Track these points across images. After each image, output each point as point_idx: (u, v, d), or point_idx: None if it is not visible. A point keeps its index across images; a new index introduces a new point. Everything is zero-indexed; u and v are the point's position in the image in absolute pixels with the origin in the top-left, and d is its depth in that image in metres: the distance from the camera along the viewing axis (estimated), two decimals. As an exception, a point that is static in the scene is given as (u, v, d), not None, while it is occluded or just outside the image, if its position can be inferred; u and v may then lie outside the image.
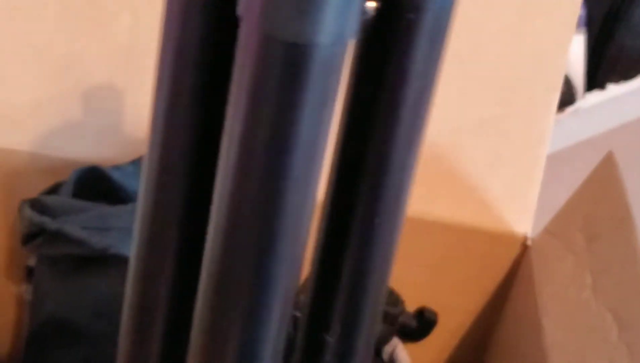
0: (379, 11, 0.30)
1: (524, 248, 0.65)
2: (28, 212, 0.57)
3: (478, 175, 0.65)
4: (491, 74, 0.64)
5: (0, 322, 0.69)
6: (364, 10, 0.29)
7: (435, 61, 0.32)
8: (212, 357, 0.31)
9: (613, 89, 0.82)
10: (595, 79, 0.97)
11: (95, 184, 0.60)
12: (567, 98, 0.88)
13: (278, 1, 0.25)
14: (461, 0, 0.63)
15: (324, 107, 0.27)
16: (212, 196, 0.30)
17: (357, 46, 0.33)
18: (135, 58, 0.64)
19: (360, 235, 0.34)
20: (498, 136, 0.65)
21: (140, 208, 0.32)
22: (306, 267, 0.68)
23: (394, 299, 0.67)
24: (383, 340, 0.65)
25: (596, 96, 0.82)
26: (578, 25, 0.85)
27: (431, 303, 0.68)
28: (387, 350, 0.67)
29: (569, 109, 0.81)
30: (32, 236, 0.57)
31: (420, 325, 0.66)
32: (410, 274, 0.67)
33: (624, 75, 0.92)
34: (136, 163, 0.63)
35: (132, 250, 0.33)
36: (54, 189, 0.61)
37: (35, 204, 0.58)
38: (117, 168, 0.62)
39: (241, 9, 0.26)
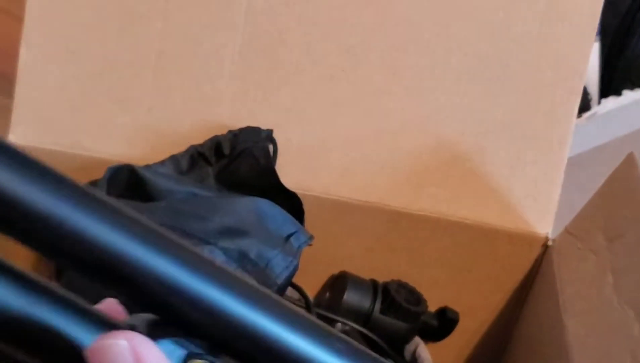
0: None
1: (545, 248, 0.67)
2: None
3: (501, 176, 0.66)
4: (514, 77, 0.66)
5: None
6: None
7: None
8: None
9: (629, 95, 0.84)
10: (609, 86, 0.99)
11: (128, 182, 0.61)
12: (582, 105, 0.89)
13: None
14: (485, 6, 0.65)
15: None
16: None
17: None
18: (166, 61, 0.66)
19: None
20: (521, 138, 0.66)
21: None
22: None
23: (416, 298, 0.68)
24: (405, 339, 0.67)
25: (612, 102, 0.83)
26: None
27: (453, 302, 0.70)
28: (409, 348, 0.68)
29: (585, 115, 0.83)
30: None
31: (441, 325, 0.67)
32: (432, 274, 0.68)
33: (638, 83, 0.93)
34: (166, 163, 0.65)
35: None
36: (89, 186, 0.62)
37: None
38: (148, 167, 0.63)
39: None
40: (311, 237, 0.58)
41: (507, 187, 0.66)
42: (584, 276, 0.60)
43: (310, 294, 0.70)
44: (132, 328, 0.27)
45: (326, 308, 0.66)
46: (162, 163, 0.64)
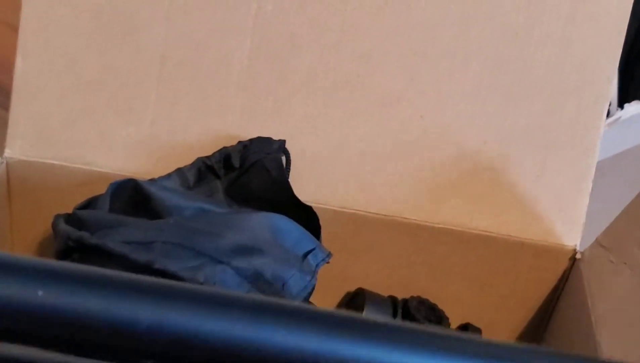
0: None
1: (573, 261, 0.63)
2: (64, 227, 0.55)
3: (525, 186, 0.63)
4: (539, 82, 0.62)
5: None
6: None
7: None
8: None
9: (651, 101, 0.81)
10: (627, 92, 0.96)
11: (132, 197, 0.58)
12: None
13: None
14: (506, 7, 0.62)
15: None
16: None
17: None
18: (170, 69, 0.63)
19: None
20: (546, 145, 0.63)
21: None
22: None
23: (438, 315, 0.65)
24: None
25: (635, 106, 0.80)
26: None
27: (476, 318, 0.66)
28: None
29: (608, 121, 0.80)
30: (67, 252, 0.55)
31: (464, 342, 0.64)
32: (455, 289, 0.65)
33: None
34: (172, 176, 0.61)
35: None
36: (89, 204, 0.59)
37: (71, 219, 0.57)
38: (152, 181, 0.60)
39: None
40: (329, 254, 0.55)
41: (532, 197, 0.63)
42: (618, 291, 0.57)
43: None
44: None
45: (343, 327, 0.63)
46: (168, 176, 0.61)
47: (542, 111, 0.63)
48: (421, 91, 0.63)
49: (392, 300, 0.65)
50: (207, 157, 0.62)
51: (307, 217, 0.58)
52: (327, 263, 0.55)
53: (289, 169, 0.62)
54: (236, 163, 0.61)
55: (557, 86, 0.63)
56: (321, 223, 0.60)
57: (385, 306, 0.64)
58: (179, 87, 0.63)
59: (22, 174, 0.64)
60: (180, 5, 0.62)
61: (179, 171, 0.61)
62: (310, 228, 0.57)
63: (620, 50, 0.62)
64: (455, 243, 0.63)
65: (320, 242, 0.57)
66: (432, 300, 0.65)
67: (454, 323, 0.66)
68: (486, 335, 0.63)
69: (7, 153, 0.63)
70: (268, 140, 0.61)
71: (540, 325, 0.67)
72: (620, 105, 0.87)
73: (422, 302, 0.65)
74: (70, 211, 0.58)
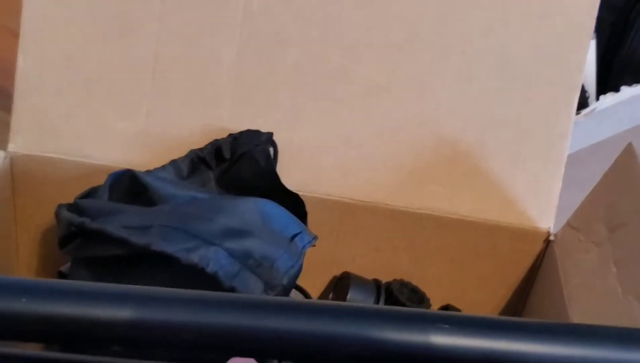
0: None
1: (547, 243, 0.67)
2: (66, 214, 0.58)
3: (501, 172, 0.66)
4: (513, 73, 0.66)
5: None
6: None
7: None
8: None
9: (627, 91, 0.84)
10: (606, 83, 0.99)
11: (130, 187, 0.61)
12: (580, 101, 0.89)
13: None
14: (485, 4, 0.65)
15: None
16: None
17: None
18: (164, 65, 0.66)
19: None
20: (521, 133, 0.66)
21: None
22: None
23: (419, 297, 0.68)
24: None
25: (610, 98, 0.83)
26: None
27: (457, 299, 0.70)
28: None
29: (584, 112, 0.83)
30: (69, 238, 0.58)
31: (446, 322, 0.67)
32: (435, 271, 0.68)
33: (635, 79, 0.93)
34: (166, 168, 0.64)
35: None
36: (89, 194, 0.62)
37: (73, 208, 0.60)
38: (149, 172, 0.63)
39: None
40: (315, 237, 0.58)
41: (508, 183, 0.66)
42: (587, 268, 0.60)
43: (314, 295, 0.70)
44: None
45: (330, 308, 0.66)
46: (163, 168, 0.64)
47: (517, 101, 0.66)
48: (402, 82, 0.66)
49: (376, 282, 0.68)
50: (200, 149, 0.65)
51: (294, 204, 0.62)
52: (313, 246, 0.59)
53: (277, 159, 0.65)
54: (227, 154, 0.64)
55: (531, 76, 0.66)
56: (308, 209, 0.63)
57: (369, 289, 0.68)
58: (172, 82, 0.66)
59: (25, 167, 0.67)
60: (172, 3, 0.65)
61: (173, 162, 0.65)
62: (297, 214, 0.60)
63: (589, 41, 0.66)
64: (435, 227, 0.67)
65: (307, 227, 0.61)
66: (415, 282, 0.69)
67: (436, 303, 0.69)
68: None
69: (11, 147, 0.66)
70: (256, 132, 0.65)
71: (518, 303, 0.70)
72: (599, 97, 0.91)
73: (405, 285, 0.69)
74: (71, 201, 0.61)
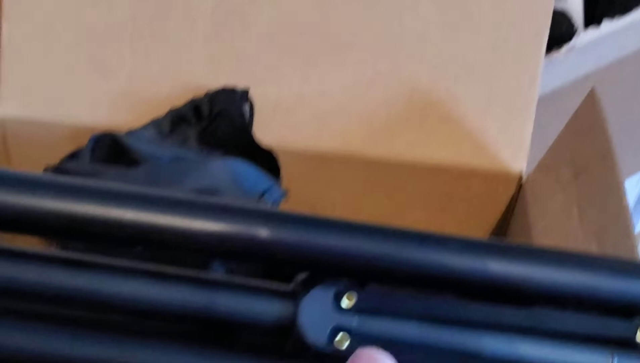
0: None
1: (520, 185, 0.68)
2: (51, 178, 0.61)
3: (473, 119, 0.68)
4: (483, 20, 0.67)
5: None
6: None
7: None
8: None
9: (607, 26, 0.84)
10: (593, 16, 0.99)
11: (111, 149, 0.64)
12: (569, 36, 0.90)
13: None
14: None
15: None
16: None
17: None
18: (141, 27, 0.68)
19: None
20: (491, 79, 0.68)
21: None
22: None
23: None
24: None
25: (591, 33, 0.84)
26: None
27: (436, 242, 0.72)
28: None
29: (565, 47, 0.84)
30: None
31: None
32: (413, 217, 0.71)
33: (622, 9, 0.93)
34: (148, 127, 0.67)
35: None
36: (74, 155, 0.65)
37: (58, 171, 0.63)
38: (131, 133, 0.66)
39: None
40: (285, 193, 0.61)
41: (480, 128, 0.68)
42: (553, 210, 0.63)
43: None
44: (296, 292, 0.34)
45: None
46: (145, 127, 0.67)
47: (487, 47, 0.67)
48: (374, 35, 0.68)
49: (357, 228, 0.71)
50: (179, 108, 0.67)
51: (268, 159, 0.64)
52: (285, 199, 0.61)
53: (253, 114, 0.67)
54: (205, 112, 0.66)
55: (499, 22, 0.67)
56: (286, 162, 0.65)
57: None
58: (150, 44, 0.69)
59: (17, 131, 0.70)
60: (144, -31, 0.67)
61: (154, 122, 0.67)
62: (271, 169, 0.63)
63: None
64: (410, 174, 0.69)
65: (280, 180, 0.63)
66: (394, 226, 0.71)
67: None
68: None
69: (1, 112, 0.69)
70: (232, 91, 0.67)
71: (495, 245, 0.73)
72: (589, 24, 0.91)
73: (385, 229, 0.71)
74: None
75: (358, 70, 0.68)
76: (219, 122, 0.66)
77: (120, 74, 0.69)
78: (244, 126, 0.65)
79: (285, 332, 0.34)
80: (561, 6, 0.87)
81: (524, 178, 0.68)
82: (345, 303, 0.34)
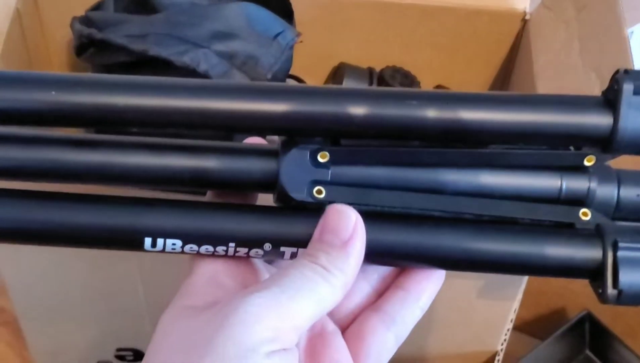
0: None
1: (524, 23, 0.71)
2: (77, 26, 0.65)
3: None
4: None
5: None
6: None
7: None
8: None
9: None
10: None
11: (132, -3, 0.67)
12: None
13: None
14: None
15: None
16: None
17: None
18: None
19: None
20: None
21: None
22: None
23: (410, 80, 0.74)
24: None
25: None
26: None
27: (446, 81, 0.76)
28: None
29: None
30: (83, 47, 0.65)
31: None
32: (425, 57, 0.74)
33: None
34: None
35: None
36: (98, 6, 0.68)
37: (83, 20, 0.66)
38: (150, -19, 0.69)
39: None
40: (298, 34, 0.64)
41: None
42: (555, 44, 0.65)
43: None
44: (276, 151, 0.38)
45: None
46: (163, -23, 0.70)
47: None
48: None
49: (370, 70, 0.74)
50: (195, -43, 0.70)
51: (283, 3, 0.67)
52: (300, 42, 0.65)
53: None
54: (220, -42, 0.69)
55: None
56: (302, 9, 0.69)
57: (363, 75, 0.74)
58: None
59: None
60: None
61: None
62: (285, 13, 0.66)
63: None
64: (420, 15, 0.72)
65: (294, 25, 0.66)
66: (406, 67, 0.75)
67: (427, 86, 0.75)
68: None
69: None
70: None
71: (502, 81, 0.76)
72: None
73: (397, 70, 0.75)
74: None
75: None
76: (233, -31, 0.68)
77: None
78: (258, -30, 0.68)
79: (270, 186, 0.38)
80: None
81: (528, 15, 0.71)
82: (320, 159, 0.37)
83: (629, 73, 0.37)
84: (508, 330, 0.64)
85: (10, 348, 0.80)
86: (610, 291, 0.37)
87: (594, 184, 0.39)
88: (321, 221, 0.37)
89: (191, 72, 0.58)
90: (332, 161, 0.38)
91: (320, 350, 0.39)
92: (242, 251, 0.38)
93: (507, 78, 0.75)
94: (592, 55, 0.61)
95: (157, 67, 0.60)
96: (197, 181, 0.38)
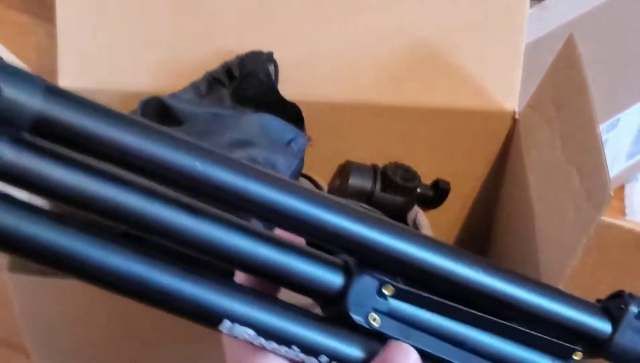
0: None
1: (514, 121, 0.78)
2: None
3: (470, 66, 0.78)
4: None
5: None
6: None
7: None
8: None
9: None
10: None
11: (157, 110, 0.74)
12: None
13: None
14: None
15: None
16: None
17: None
18: (179, 3, 0.78)
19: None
20: (483, 31, 0.77)
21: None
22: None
23: (411, 175, 0.80)
24: (404, 210, 0.79)
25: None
26: None
27: (445, 174, 0.82)
28: (410, 217, 0.81)
29: (536, 5, 0.91)
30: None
31: (436, 194, 0.80)
32: (423, 154, 0.81)
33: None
34: (187, 89, 0.77)
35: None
36: (126, 118, 0.75)
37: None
38: (173, 95, 0.76)
39: None
40: (309, 139, 0.71)
41: (476, 75, 0.77)
42: (541, 141, 0.72)
43: (325, 181, 0.83)
44: (347, 265, 0.41)
45: (337, 192, 0.79)
46: (185, 89, 0.77)
47: (478, 5, 0.77)
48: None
49: (374, 166, 0.81)
50: (213, 71, 0.78)
51: (293, 112, 0.74)
52: (310, 145, 0.72)
53: (278, 73, 0.77)
54: (236, 73, 0.77)
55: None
56: (310, 113, 0.76)
57: (367, 172, 0.80)
58: (186, 17, 0.79)
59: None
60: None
61: (192, 84, 0.77)
62: (296, 120, 0.73)
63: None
64: (416, 117, 0.79)
65: (304, 130, 0.74)
66: (407, 163, 0.81)
67: (427, 179, 0.82)
68: (454, 186, 0.79)
69: (61, 83, 0.80)
70: (259, 53, 0.77)
71: (496, 175, 0.82)
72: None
73: (399, 166, 0.81)
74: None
75: (367, 29, 0.78)
76: (248, 82, 0.76)
77: (162, 45, 0.79)
78: (270, 84, 0.75)
79: (329, 298, 0.41)
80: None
81: (517, 114, 0.78)
82: (385, 291, 0.41)
83: (633, 298, 0.44)
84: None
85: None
86: None
87: None
88: (383, 354, 0.41)
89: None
90: (394, 296, 0.42)
91: None
92: (301, 356, 0.40)
93: (502, 172, 0.82)
94: (572, 151, 0.67)
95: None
96: (259, 270, 0.40)
